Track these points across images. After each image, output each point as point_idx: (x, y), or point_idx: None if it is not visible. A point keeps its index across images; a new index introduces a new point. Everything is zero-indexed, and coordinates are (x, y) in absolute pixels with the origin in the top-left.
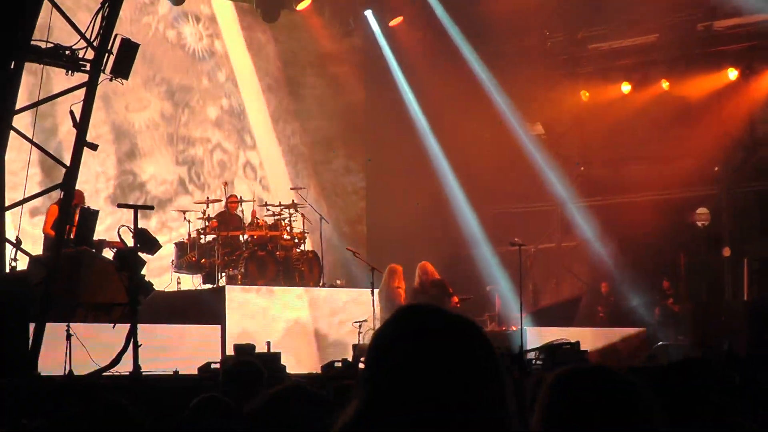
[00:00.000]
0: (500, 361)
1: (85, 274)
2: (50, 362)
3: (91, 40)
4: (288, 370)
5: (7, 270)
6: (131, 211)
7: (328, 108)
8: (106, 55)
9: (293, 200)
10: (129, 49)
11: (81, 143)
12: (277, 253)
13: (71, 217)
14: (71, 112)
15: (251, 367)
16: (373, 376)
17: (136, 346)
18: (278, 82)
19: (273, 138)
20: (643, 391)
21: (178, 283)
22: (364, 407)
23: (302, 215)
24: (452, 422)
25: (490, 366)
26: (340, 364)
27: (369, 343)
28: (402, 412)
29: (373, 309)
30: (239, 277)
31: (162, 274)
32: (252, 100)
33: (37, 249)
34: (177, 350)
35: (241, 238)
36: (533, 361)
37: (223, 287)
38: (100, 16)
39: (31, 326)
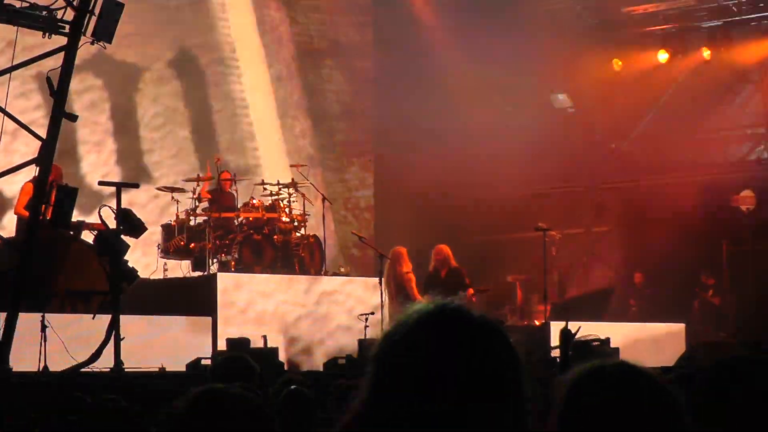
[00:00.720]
0: (524, 370)
1: (62, 258)
2: (23, 356)
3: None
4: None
5: None
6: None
7: (345, 106)
8: (88, 15)
9: (292, 179)
10: (113, 9)
11: (59, 114)
12: (275, 237)
13: (47, 195)
14: (48, 79)
15: (242, 363)
16: (382, 379)
17: (118, 340)
18: (290, 70)
19: (276, 133)
20: (673, 393)
21: (165, 269)
22: (370, 409)
23: (303, 195)
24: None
25: (513, 376)
26: (344, 361)
27: (380, 342)
28: (413, 418)
29: (381, 300)
30: (232, 263)
31: (147, 259)
32: (256, 89)
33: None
34: (163, 344)
35: (234, 220)
36: (558, 360)
37: (215, 274)
38: None
39: (2, 316)
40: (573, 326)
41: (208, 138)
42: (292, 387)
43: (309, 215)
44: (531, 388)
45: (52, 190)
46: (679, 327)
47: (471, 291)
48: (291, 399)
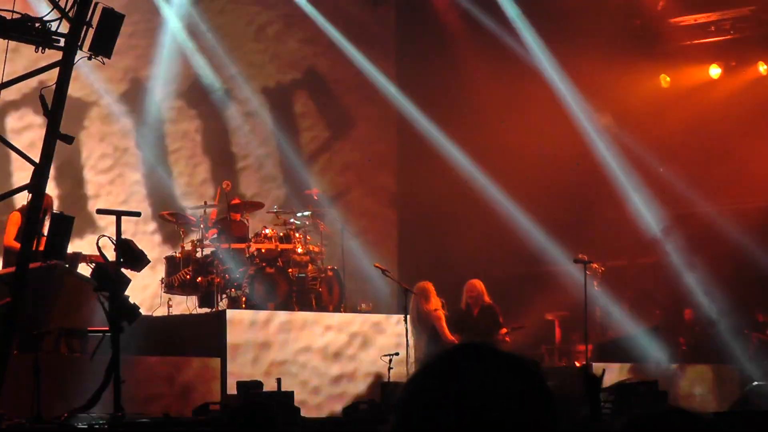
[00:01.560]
0: (558, 420)
1: (56, 294)
2: (14, 401)
3: (67, 10)
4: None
5: None
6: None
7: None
8: (85, 28)
9: (309, 206)
10: (112, 21)
11: (54, 135)
12: (290, 270)
13: (40, 224)
14: (41, 97)
15: (262, 408)
16: (404, 429)
17: (118, 383)
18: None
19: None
20: None
21: (169, 306)
22: None
23: (320, 224)
24: None
25: (547, 424)
26: (366, 406)
27: (402, 388)
28: None
29: (407, 340)
30: (243, 298)
31: (150, 295)
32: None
33: None
34: (168, 388)
35: (245, 251)
36: (602, 405)
37: (224, 311)
38: None
39: None
40: (597, 369)
41: (162, 181)
42: None
43: (326, 246)
44: None
45: (45, 219)
46: (734, 368)
47: (504, 330)
48: None
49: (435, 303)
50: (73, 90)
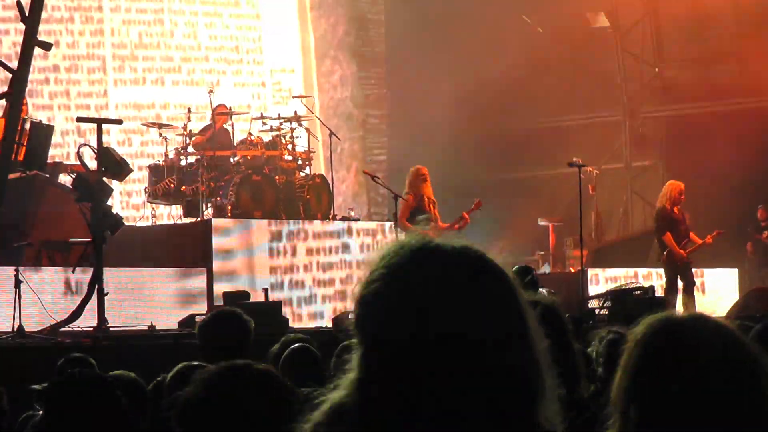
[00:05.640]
0: (536, 330)
1: (36, 204)
2: None
3: None
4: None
5: None
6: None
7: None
8: None
9: (295, 112)
10: None
11: (31, 42)
12: (276, 177)
13: (20, 133)
14: (18, 3)
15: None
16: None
17: (101, 295)
18: None
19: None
20: (756, 349)
21: (153, 215)
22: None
23: (308, 131)
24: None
25: (520, 333)
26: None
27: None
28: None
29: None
30: (229, 207)
31: (133, 204)
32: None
33: None
34: (152, 300)
35: (231, 159)
36: (597, 311)
37: (210, 220)
38: None
39: None
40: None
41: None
42: (297, 345)
43: (314, 152)
44: (546, 353)
45: (25, 127)
46: (732, 272)
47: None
48: (296, 358)
49: (410, 187)
50: None
